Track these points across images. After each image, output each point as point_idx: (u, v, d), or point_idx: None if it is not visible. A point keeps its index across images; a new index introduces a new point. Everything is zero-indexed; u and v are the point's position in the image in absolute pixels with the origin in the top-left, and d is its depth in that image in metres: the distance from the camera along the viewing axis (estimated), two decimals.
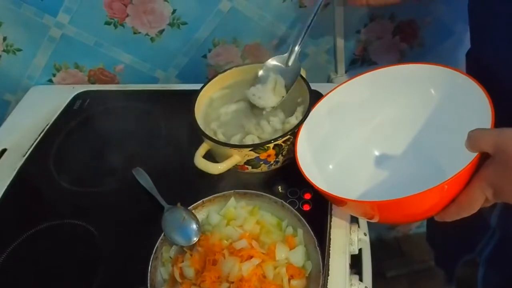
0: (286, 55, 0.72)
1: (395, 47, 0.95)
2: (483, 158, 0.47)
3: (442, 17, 0.91)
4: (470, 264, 0.85)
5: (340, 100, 0.65)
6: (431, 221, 1.02)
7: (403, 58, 0.97)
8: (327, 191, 0.55)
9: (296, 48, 0.71)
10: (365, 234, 0.67)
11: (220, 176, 0.65)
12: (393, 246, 1.56)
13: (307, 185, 0.58)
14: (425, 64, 0.60)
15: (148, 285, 0.55)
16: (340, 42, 0.90)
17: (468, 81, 0.54)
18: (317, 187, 0.56)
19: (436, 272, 1.29)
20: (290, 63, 0.71)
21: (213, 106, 0.74)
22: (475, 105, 0.52)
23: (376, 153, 0.67)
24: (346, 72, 0.96)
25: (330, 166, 0.65)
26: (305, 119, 0.64)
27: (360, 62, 0.97)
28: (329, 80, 0.97)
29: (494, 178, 0.46)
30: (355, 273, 0.77)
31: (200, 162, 0.65)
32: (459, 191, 0.48)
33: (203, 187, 0.67)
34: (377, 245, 1.55)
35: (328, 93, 0.65)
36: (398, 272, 1.48)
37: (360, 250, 0.77)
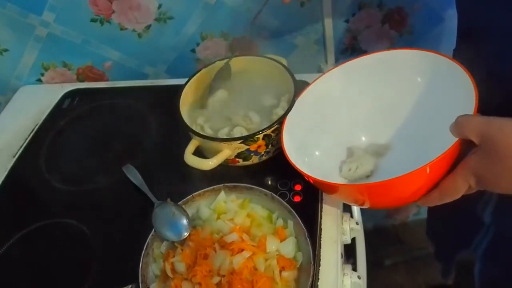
0: None
1: (384, 35, 0.94)
2: (469, 147, 0.47)
3: (431, 3, 0.90)
4: (468, 259, 0.85)
5: (326, 89, 0.65)
6: (430, 215, 1.03)
7: (393, 46, 0.97)
8: (315, 177, 0.55)
9: None
10: (357, 224, 0.66)
11: (212, 171, 0.65)
12: (391, 234, 1.56)
13: (298, 176, 0.58)
14: (409, 49, 0.60)
15: (140, 281, 0.55)
16: (329, 32, 0.89)
17: (452, 64, 0.54)
18: (305, 174, 0.56)
19: (434, 260, 1.30)
20: None
21: None
22: (460, 88, 0.52)
23: (364, 139, 0.67)
24: (336, 62, 0.96)
25: (317, 153, 0.65)
26: (291, 108, 0.64)
27: (350, 52, 0.97)
28: (319, 71, 0.96)
29: (478, 167, 0.46)
30: (353, 263, 0.78)
31: (191, 159, 0.65)
32: (443, 174, 0.49)
33: (194, 182, 0.67)
34: (374, 233, 1.56)
35: (313, 81, 0.65)
36: (396, 260, 1.48)
37: (354, 239, 0.78)
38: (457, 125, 0.47)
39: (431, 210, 1.03)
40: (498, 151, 0.43)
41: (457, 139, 0.47)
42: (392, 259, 1.49)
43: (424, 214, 1.53)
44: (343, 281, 0.59)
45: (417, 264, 1.47)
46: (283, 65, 0.72)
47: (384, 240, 1.54)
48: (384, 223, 1.57)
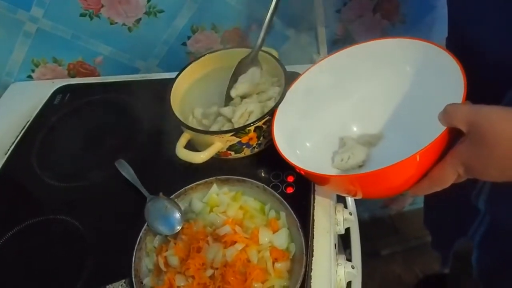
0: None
1: (376, 25, 0.94)
2: (458, 136, 0.47)
3: None
4: (465, 248, 0.86)
5: (316, 79, 0.65)
6: (426, 205, 1.03)
7: (385, 35, 0.95)
8: (307, 169, 0.55)
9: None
10: (350, 214, 0.66)
11: (204, 164, 0.65)
12: (387, 224, 1.57)
13: (290, 168, 0.58)
14: (397, 38, 0.60)
15: (133, 276, 0.55)
16: (321, 23, 0.89)
17: (441, 52, 0.54)
18: (296, 166, 0.56)
19: (432, 251, 1.31)
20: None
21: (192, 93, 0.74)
22: (449, 76, 0.52)
23: (355, 129, 0.67)
24: (328, 52, 0.95)
25: (308, 144, 0.65)
26: (281, 100, 0.63)
27: (342, 42, 0.96)
28: (312, 62, 0.95)
29: (466, 156, 0.46)
30: (350, 253, 0.78)
31: (182, 152, 0.64)
32: (433, 162, 0.49)
33: (186, 175, 0.66)
34: (371, 224, 1.57)
35: (303, 72, 0.65)
36: (393, 250, 1.49)
37: (349, 230, 0.78)
38: (445, 114, 0.47)
39: (427, 199, 1.04)
40: (485, 139, 0.43)
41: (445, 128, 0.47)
42: (389, 249, 1.49)
43: (420, 204, 1.54)
44: (337, 271, 0.59)
45: (414, 253, 1.48)
46: (274, 57, 0.72)
47: (381, 230, 1.55)
48: (380, 213, 1.58)
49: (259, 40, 0.70)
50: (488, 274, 0.80)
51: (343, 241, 0.83)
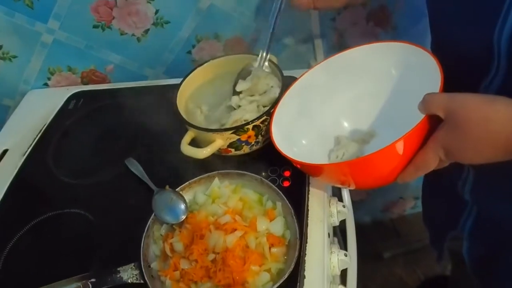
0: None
1: (370, 32, 0.99)
2: (438, 122, 0.51)
3: (413, 0, 0.95)
4: (457, 239, 0.88)
5: (311, 82, 0.70)
6: (423, 201, 1.06)
7: None
8: (300, 160, 0.60)
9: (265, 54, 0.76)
10: (344, 207, 0.70)
11: (207, 160, 0.70)
12: (389, 228, 1.59)
13: (287, 163, 0.63)
14: (383, 42, 0.65)
15: (142, 260, 0.60)
16: (316, 31, 0.94)
17: (420, 51, 0.59)
18: (292, 159, 0.61)
19: (432, 251, 1.33)
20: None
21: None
22: (429, 72, 0.56)
23: (349, 128, 0.72)
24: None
25: (304, 142, 0.70)
26: (279, 101, 0.69)
27: (338, 49, 1.01)
28: (309, 67, 1.01)
29: (445, 140, 0.50)
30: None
31: (186, 148, 0.70)
32: (416, 149, 0.53)
33: (191, 171, 0.71)
34: (373, 227, 1.60)
35: (300, 76, 0.70)
36: (395, 253, 1.51)
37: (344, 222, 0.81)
38: (424, 102, 0.51)
39: (423, 195, 1.06)
40: (461, 124, 0.47)
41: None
42: (390, 251, 1.51)
43: (421, 207, 1.56)
44: (330, 258, 0.63)
45: (415, 256, 1.50)
46: (273, 62, 0.77)
47: (383, 234, 1.57)
48: (382, 217, 1.60)
49: (263, 54, 0.76)
50: (479, 265, 0.82)
51: (344, 241, 0.86)
